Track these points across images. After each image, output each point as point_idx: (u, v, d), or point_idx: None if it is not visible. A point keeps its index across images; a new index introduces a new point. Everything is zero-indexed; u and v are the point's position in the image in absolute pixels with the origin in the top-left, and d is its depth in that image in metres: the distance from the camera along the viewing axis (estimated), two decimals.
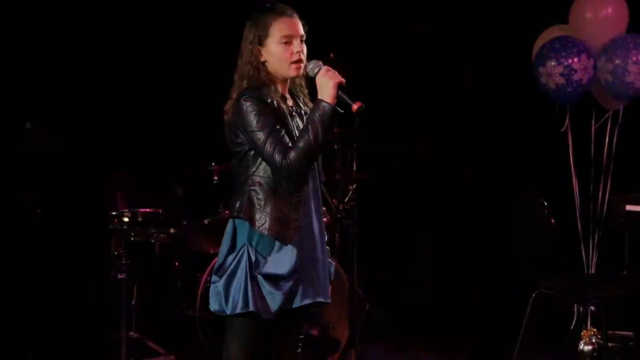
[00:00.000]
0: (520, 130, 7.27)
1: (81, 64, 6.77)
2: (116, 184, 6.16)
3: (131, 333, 5.69)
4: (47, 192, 5.84)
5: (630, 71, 5.89)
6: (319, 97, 3.62)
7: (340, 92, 3.62)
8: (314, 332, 5.50)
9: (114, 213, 5.68)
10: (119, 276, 5.55)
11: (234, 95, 3.67)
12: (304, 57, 3.69)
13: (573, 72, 5.93)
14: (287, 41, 3.66)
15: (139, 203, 5.88)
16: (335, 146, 5.96)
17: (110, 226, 5.61)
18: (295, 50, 3.66)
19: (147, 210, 5.77)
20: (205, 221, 5.80)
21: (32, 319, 5.34)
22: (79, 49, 6.72)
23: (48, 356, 5.47)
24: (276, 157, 3.56)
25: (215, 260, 5.45)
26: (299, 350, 3.88)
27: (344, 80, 3.63)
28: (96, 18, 6.65)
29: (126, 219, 5.61)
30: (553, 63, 5.97)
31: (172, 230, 5.83)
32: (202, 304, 5.60)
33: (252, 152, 3.64)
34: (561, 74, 5.95)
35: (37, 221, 5.48)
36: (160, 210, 5.79)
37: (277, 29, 3.66)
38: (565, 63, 5.94)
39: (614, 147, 6.19)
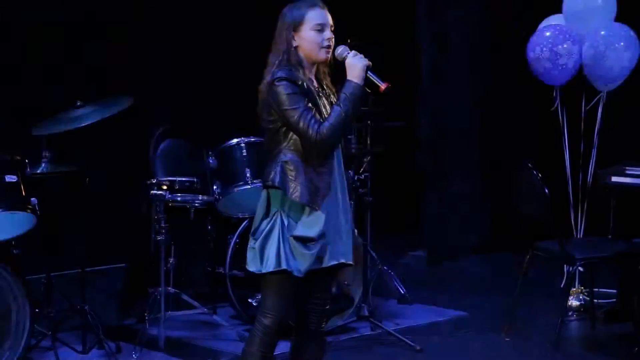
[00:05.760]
0: (520, 109, 7.66)
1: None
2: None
3: (169, 288, 5.78)
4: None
5: (609, 56, 6.06)
6: (348, 77, 3.83)
7: (369, 73, 3.83)
8: (333, 289, 5.34)
9: (154, 181, 5.76)
10: (158, 238, 5.65)
11: (268, 77, 3.84)
12: (332, 43, 3.90)
13: (558, 57, 6.12)
14: (320, 29, 3.86)
15: (177, 172, 5.93)
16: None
17: (151, 193, 5.66)
18: (326, 37, 3.87)
19: (184, 179, 5.84)
20: (235, 189, 5.94)
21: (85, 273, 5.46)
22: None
23: (99, 308, 5.59)
24: (310, 132, 3.75)
25: (243, 223, 5.87)
26: (327, 306, 4.08)
27: (370, 63, 3.86)
28: None
29: (165, 187, 5.70)
30: (543, 49, 6.16)
31: (205, 197, 5.92)
32: (231, 262, 5.83)
33: (284, 129, 3.82)
34: (548, 59, 6.15)
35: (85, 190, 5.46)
36: (195, 179, 5.85)
37: (312, 18, 3.86)
38: (553, 49, 6.11)
39: (600, 126, 6.34)
